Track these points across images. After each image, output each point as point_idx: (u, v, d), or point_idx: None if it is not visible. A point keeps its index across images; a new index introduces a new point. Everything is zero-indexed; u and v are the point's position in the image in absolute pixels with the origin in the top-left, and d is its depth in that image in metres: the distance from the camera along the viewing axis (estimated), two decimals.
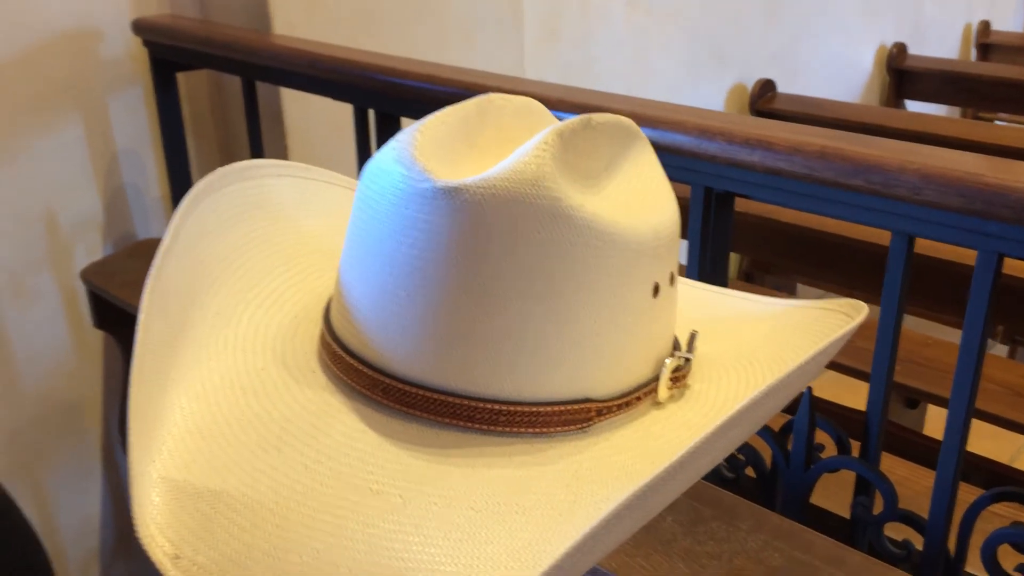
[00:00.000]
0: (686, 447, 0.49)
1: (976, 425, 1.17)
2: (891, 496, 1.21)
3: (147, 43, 1.91)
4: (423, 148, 0.56)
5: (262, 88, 1.85)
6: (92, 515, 2.13)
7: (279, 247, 0.71)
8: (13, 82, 1.79)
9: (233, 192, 0.70)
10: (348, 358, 0.58)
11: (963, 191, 1.01)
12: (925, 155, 1.06)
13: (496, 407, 0.55)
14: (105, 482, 2.13)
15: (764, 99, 3.34)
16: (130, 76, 1.97)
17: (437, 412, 0.56)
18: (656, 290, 0.59)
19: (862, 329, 0.66)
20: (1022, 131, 3.71)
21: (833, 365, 1.84)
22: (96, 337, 2.04)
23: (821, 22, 3.66)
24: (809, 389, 1.23)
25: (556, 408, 0.56)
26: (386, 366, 0.56)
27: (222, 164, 0.70)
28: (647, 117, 1.25)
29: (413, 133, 0.57)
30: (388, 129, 1.62)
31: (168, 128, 1.97)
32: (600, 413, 0.58)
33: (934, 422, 2.26)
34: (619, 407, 0.59)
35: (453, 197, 0.52)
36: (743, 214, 2.03)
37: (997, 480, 1.72)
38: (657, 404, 0.61)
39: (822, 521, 1.33)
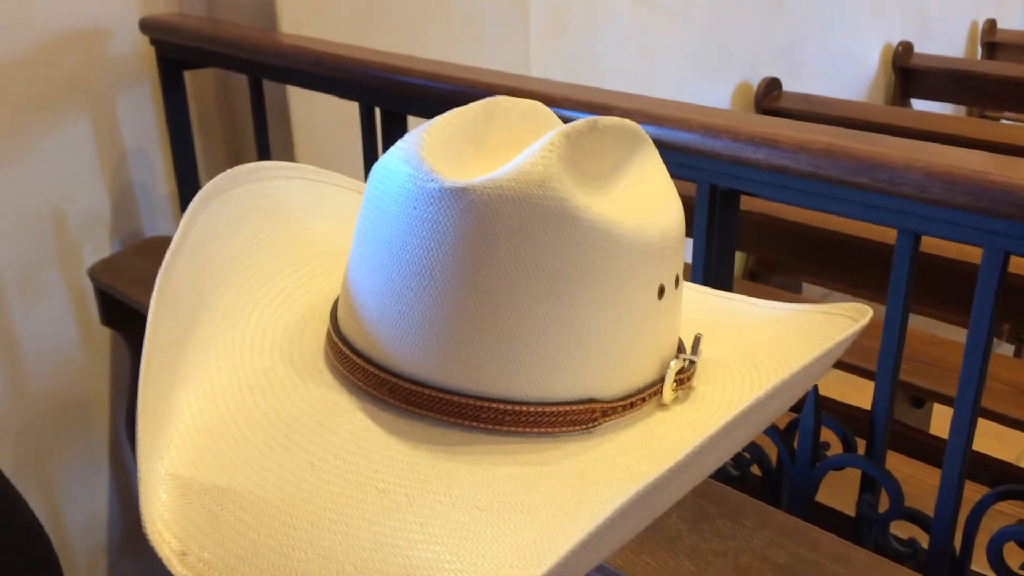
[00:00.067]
0: (690, 447, 0.49)
1: (982, 424, 1.17)
2: (897, 494, 1.21)
3: (154, 42, 1.91)
4: (430, 149, 0.56)
5: (269, 86, 1.85)
6: (100, 511, 2.14)
7: (287, 248, 0.71)
8: (21, 80, 1.79)
9: (242, 194, 0.71)
10: (355, 357, 0.59)
11: (969, 189, 1.01)
12: (931, 153, 1.06)
13: (502, 407, 0.55)
14: (112, 479, 2.14)
15: (769, 97, 3.34)
16: (137, 74, 1.97)
17: (443, 411, 0.56)
18: (661, 292, 0.59)
19: (868, 328, 0.66)
20: None
21: (839, 364, 1.84)
22: (104, 334, 2.05)
23: (827, 20, 3.65)
24: (815, 387, 1.23)
25: (561, 408, 0.56)
26: (392, 365, 0.57)
27: (229, 162, 0.71)
28: (652, 115, 1.26)
29: (420, 134, 0.57)
30: (394, 127, 1.62)
31: (175, 126, 1.98)
32: (605, 414, 0.58)
33: (940, 421, 2.26)
34: (624, 408, 0.59)
35: (460, 197, 0.53)
36: (748, 213, 2.03)
37: (1003, 479, 1.72)
38: (662, 405, 0.61)
39: (828, 519, 1.33)
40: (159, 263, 0.61)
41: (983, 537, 1.17)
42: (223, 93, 2.10)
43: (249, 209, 0.71)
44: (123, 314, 1.91)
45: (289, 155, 1.97)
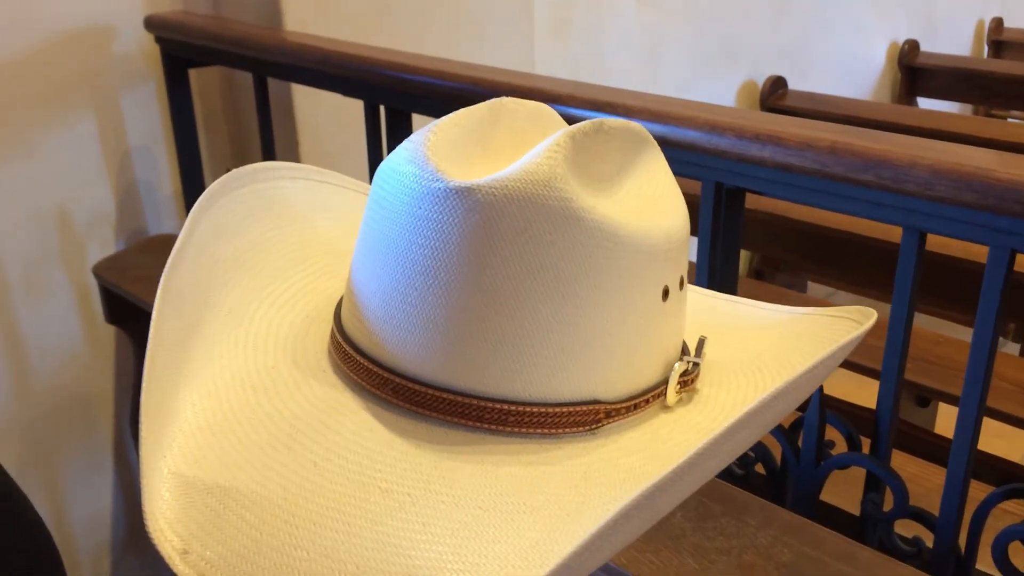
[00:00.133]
0: (694, 449, 0.49)
1: (987, 423, 1.17)
2: (902, 493, 1.21)
3: (159, 39, 1.91)
4: (436, 149, 0.56)
5: (273, 84, 1.85)
6: (103, 509, 2.14)
7: (292, 248, 0.71)
8: (26, 79, 1.80)
9: (247, 194, 0.71)
10: (358, 357, 0.59)
11: (975, 186, 1.00)
12: (936, 151, 1.06)
13: (505, 407, 0.55)
14: (116, 477, 2.15)
15: (775, 96, 3.33)
16: (142, 72, 1.97)
17: (446, 411, 0.56)
18: (666, 294, 0.59)
19: (873, 327, 0.66)
20: None
21: (844, 363, 1.83)
22: (108, 332, 2.05)
23: (833, 18, 3.65)
24: (820, 386, 1.23)
25: (565, 409, 0.56)
26: (396, 365, 0.57)
27: (233, 160, 0.71)
28: (657, 112, 1.25)
29: (426, 134, 0.57)
30: (399, 125, 1.62)
31: (180, 124, 1.98)
32: (609, 415, 0.58)
33: (945, 421, 2.25)
34: (628, 409, 0.59)
35: (465, 197, 0.53)
36: (753, 211, 2.03)
37: (1008, 478, 1.71)
38: (665, 407, 0.61)
39: (832, 518, 1.32)
40: (163, 261, 0.61)
41: (988, 536, 1.16)
42: (228, 91, 2.10)
43: (254, 209, 0.71)
44: (127, 312, 1.91)
45: (294, 153, 1.97)
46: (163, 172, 2.07)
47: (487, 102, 0.62)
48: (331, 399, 0.58)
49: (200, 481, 0.51)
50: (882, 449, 1.23)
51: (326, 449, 0.54)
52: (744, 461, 1.38)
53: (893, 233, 1.16)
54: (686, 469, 0.49)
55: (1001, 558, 1.15)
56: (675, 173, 0.64)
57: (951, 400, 1.77)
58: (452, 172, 0.54)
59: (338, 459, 0.54)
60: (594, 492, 0.53)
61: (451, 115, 0.60)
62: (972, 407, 1.11)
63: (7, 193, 1.81)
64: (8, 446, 1.93)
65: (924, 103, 4.06)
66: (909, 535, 1.25)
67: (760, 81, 3.36)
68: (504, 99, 0.63)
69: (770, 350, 0.67)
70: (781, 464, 1.34)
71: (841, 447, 1.30)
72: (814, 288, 3.23)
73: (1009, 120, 4.09)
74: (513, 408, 0.55)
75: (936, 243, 1.18)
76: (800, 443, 1.29)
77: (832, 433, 1.29)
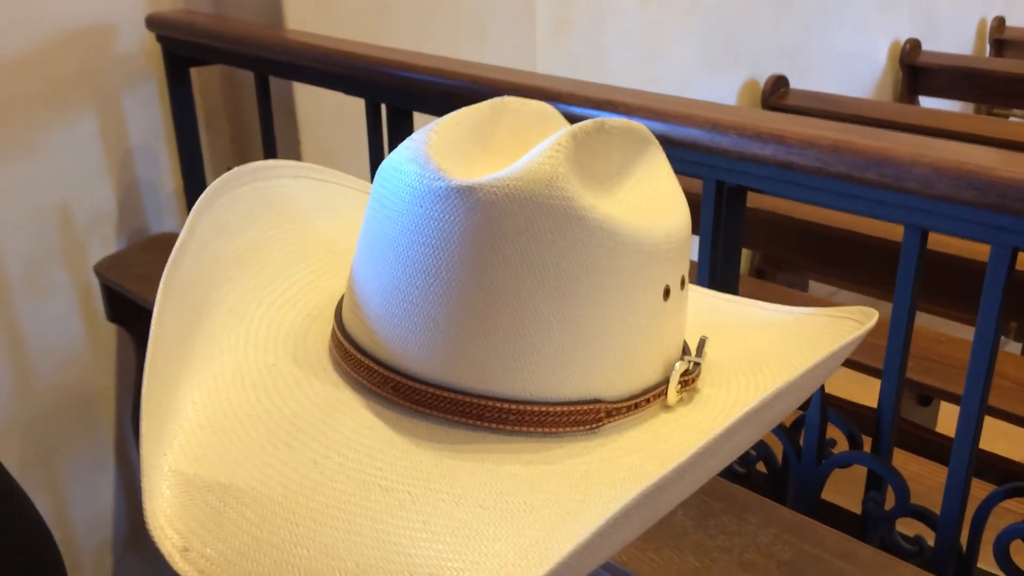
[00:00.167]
0: (694, 449, 0.49)
1: (989, 422, 1.17)
2: (903, 491, 1.21)
3: (161, 38, 1.91)
4: (437, 148, 0.56)
5: (275, 83, 1.85)
6: (105, 507, 2.14)
7: (293, 247, 0.71)
8: (28, 77, 1.80)
9: (249, 192, 0.71)
10: (359, 355, 0.59)
11: (976, 184, 1.00)
12: (938, 148, 1.06)
13: (506, 406, 0.55)
14: (118, 475, 2.15)
15: (776, 95, 3.33)
16: (144, 71, 1.97)
17: (447, 410, 0.56)
18: (667, 293, 0.59)
19: (875, 325, 0.66)
20: None
21: (846, 362, 1.83)
22: (109, 330, 2.05)
23: (834, 17, 3.64)
24: (821, 385, 1.23)
25: (565, 408, 0.56)
26: (397, 363, 0.57)
27: (235, 158, 0.71)
28: (658, 111, 1.25)
29: (427, 133, 0.57)
30: (400, 123, 1.62)
31: (182, 123, 1.98)
32: (609, 414, 0.58)
33: (947, 420, 2.25)
34: (628, 409, 0.59)
35: (466, 196, 0.53)
36: (755, 210, 2.03)
37: (1010, 477, 1.71)
38: (666, 407, 0.61)
39: (833, 516, 1.32)
40: (165, 259, 0.61)
41: (990, 535, 1.16)
42: (229, 90, 2.10)
43: (256, 207, 0.71)
44: (129, 310, 1.91)
45: (295, 151, 1.97)
46: (164, 170, 2.07)
47: (488, 101, 0.62)
48: (331, 397, 0.58)
49: (200, 479, 0.51)
50: (883, 447, 1.23)
51: (326, 447, 0.54)
52: (745, 459, 1.38)
53: (895, 232, 1.16)
54: (686, 468, 0.49)
55: (1003, 557, 1.15)
56: (676, 172, 0.64)
57: (953, 399, 1.77)
58: (453, 171, 0.54)
59: (338, 457, 0.54)
60: (594, 491, 0.53)
61: (452, 114, 0.60)
62: (974, 406, 1.11)
63: (8, 192, 1.81)
64: (10, 445, 1.93)
65: (926, 102, 4.05)
66: (910, 534, 1.25)
67: (762, 80, 3.36)
68: (505, 98, 0.63)
69: (771, 350, 0.67)
70: (782, 462, 1.34)
71: (842, 446, 1.30)
72: (816, 287, 3.23)
73: (1011, 119, 4.09)
74: (514, 407, 0.55)
75: (938, 242, 1.18)
76: (801, 441, 1.29)
77: (833, 432, 1.29)
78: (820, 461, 1.28)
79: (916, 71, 3.95)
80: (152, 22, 1.89)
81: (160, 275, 0.60)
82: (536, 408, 0.55)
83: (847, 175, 1.10)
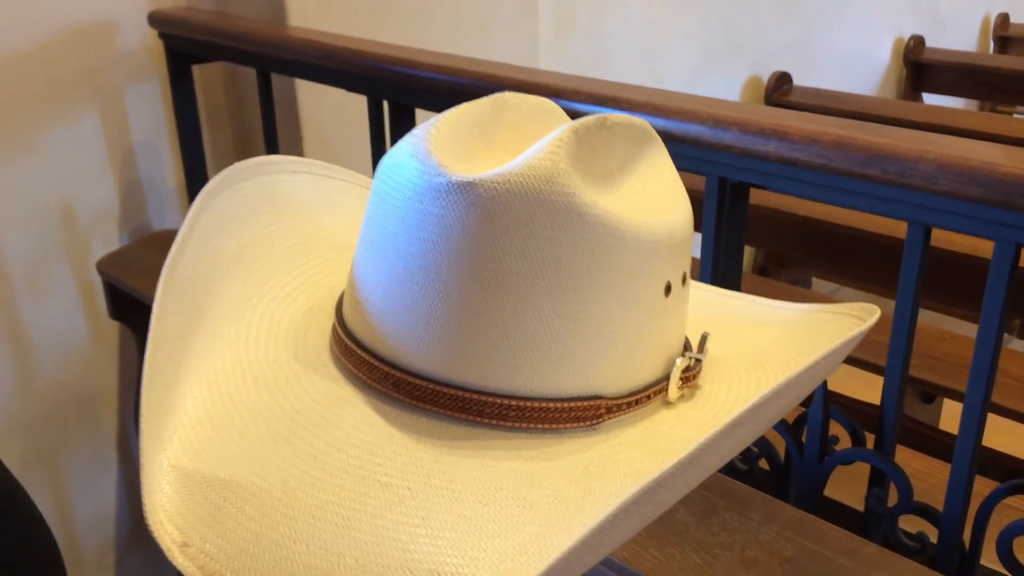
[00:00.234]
0: (694, 445, 0.49)
1: (992, 419, 1.17)
2: (906, 488, 1.21)
3: (163, 35, 1.91)
4: (438, 143, 0.56)
5: (277, 80, 1.85)
6: (108, 504, 2.14)
7: (294, 242, 0.71)
8: (30, 75, 1.80)
9: (249, 187, 0.71)
10: (359, 351, 0.58)
11: (980, 180, 1.00)
12: (942, 144, 1.05)
13: (506, 402, 0.55)
14: (120, 472, 2.15)
15: (779, 92, 3.32)
16: (146, 68, 1.97)
17: (447, 406, 0.56)
18: (668, 289, 0.59)
19: (878, 322, 0.65)
20: None
21: (848, 359, 1.83)
22: (112, 328, 2.05)
23: (838, 14, 3.64)
24: (824, 381, 1.22)
25: (566, 404, 0.56)
26: (397, 359, 0.57)
27: (237, 156, 0.71)
28: (661, 107, 1.25)
29: (428, 129, 0.57)
30: (402, 120, 1.62)
31: (184, 120, 1.98)
32: (610, 411, 0.58)
33: (950, 418, 2.25)
34: (629, 405, 0.59)
35: (467, 192, 0.52)
36: (757, 207, 2.02)
37: (1013, 474, 1.71)
38: (667, 403, 0.61)
39: (836, 513, 1.32)
40: (167, 256, 0.61)
41: (993, 532, 1.16)
42: (231, 87, 2.10)
43: (256, 203, 0.71)
44: (131, 307, 1.91)
45: (297, 148, 1.97)
46: (166, 168, 2.07)
47: (490, 96, 0.62)
48: (332, 393, 0.58)
49: (200, 474, 0.51)
50: (886, 444, 1.22)
51: (326, 443, 0.54)
52: (748, 456, 1.38)
53: (898, 229, 1.15)
54: (686, 465, 0.49)
55: (1006, 553, 1.14)
56: (679, 168, 0.64)
57: (956, 396, 1.77)
58: (454, 167, 0.54)
59: (338, 453, 0.54)
60: (594, 487, 0.53)
61: (453, 109, 0.59)
62: (977, 403, 1.11)
63: (10, 190, 1.81)
64: (12, 443, 1.93)
65: (929, 99, 4.05)
66: (913, 531, 1.25)
67: (765, 77, 3.36)
68: (507, 93, 0.62)
69: (772, 346, 0.67)
70: (785, 459, 1.33)
71: (845, 443, 1.29)
72: (819, 284, 3.23)
73: (1015, 116, 4.08)
74: (514, 403, 0.55)
75: (942, 239, 1.17)
76: (804, 438, 1.29)
77: (836, 429, 1.28)
78: (823, 458, 1.27)
79: (920, 68, 3.94)
80: (154, 19, 1.89)
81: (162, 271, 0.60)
82: (536, 404, 0.55)
83: (850, 171, 1.09)
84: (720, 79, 3.24)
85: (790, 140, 1.13)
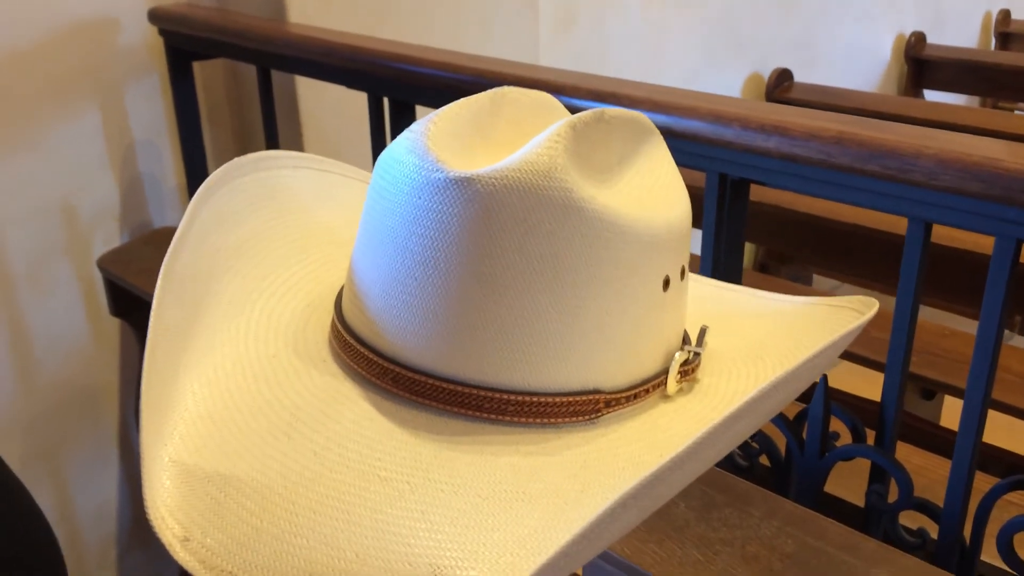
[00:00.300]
0: (693, 438, 0.49)
1: (992, 416, 1.17)
2: (906, 484, 1.20)
3: (163, 32, 1.91)
4: (436, 139, 0.56)
5: (277, 77, 1.85)
6: (109, 501, 2.14)
7: (293, 237, 0.71)
8: (30, 72, 1.80)
9: (249, 183, 0.71)
10: (358, 346, 0.59)
11: (981, 176, 1.00)
12: (942, 140, 1.05)
13: (505, 397, 0.55)
14: (122, 469, 2.15)
15: (781, 88, 3.32)
16: (146, 65, 1.97)
17: (446, 401, 0.56)
18: (667, 284, 0.59)
19: (878, 319, 0.66)
20: None
21: (849, 356, 1.83)
22: (113, 325, 2.05)
23: (839, 10, 3.63)
24: (824, 377, 1.22)
25: (565, 399, 0.56)
26: (396, 355, 0.57)
27: (238, 152, 0.71)
28: (661, 103, 1.25)
29: (427, 124, 0.57)
30: (403, 117, 1.62)
31: (184, 117, 1.98)
32: (609, 405, 0.58)
33: (951, 414, 2.25)
34: (628, 399, 0.59)
35: (465, 187, 0.53)
36: (758, 204, 2.03)
37: (1013, 470, 1.71)
38: (666, 397, 0.61)
39: (836, 509, 1.32)
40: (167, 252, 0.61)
41: (993, 528, 1.16)
42: (232, 84, 2.10)
43: (256, 198, 0.71)
44: (132, 304, 1.92)
45: (298, 145, 1.97)
46: (167, 165, 2.07)
47: (488, 91, 0.61)
48: (331, 388, 0.58)
49: (201, 469, 0.51)
50: (887, 440, 1.22)
51: (326, 438, 0.54)
52: (748, 452, 1.38)
53: (899, 225, 1.15)
54: (685, 458, 0.49)
55: (1006, 549, 1.14)
56: (679, 164, 0.64)
57: (957, 393, 1.77)
58: (452, 162, 0.54)
59: (338, 448, 0.54)
60: (593, 481, 0.53)
61: (452, 104, 0.59)
62: (977, 399, 1.11)
63: (11, 187, 1.81)
64: (13, 439, 1.93)
65: (931, 95, 4.04)
66: (914, 527, 1.25)
67: (766, 73, 3.35)
68: (505, 88, 0.62)
69: (771, 339, 0.67)
70: (785, 455, 1.33)
71: (846, 439, 1.29)
72: (819, 281, 3.22)
73: (1016, 112, 4.08)
74: (512, 398, 0.55)
75: (943, 235, 1.17)
76: (804, 434, 1.28)
77: (837, 425, 1.28)
78: (823, 454, 1.27)
79: (921, 64, 3.94)
80: (154, 16, 1.89)
81: None
82: (535, 399, 0.55)
83: (851, 167, 1.09)
84: (721, 76, 3.23)
85: (791, 136, 1.13)
